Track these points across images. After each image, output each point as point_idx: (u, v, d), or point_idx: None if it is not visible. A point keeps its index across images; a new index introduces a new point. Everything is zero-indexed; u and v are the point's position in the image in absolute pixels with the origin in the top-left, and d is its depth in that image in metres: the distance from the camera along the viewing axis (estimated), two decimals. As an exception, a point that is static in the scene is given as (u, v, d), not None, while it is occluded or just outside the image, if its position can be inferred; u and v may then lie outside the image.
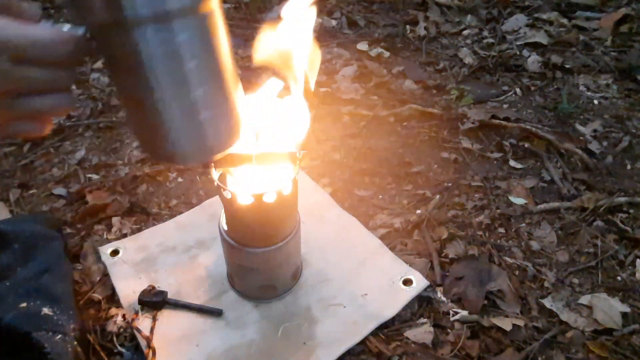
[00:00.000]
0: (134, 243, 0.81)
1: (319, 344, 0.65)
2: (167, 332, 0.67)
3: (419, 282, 0.73)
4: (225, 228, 0.65)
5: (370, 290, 0.72)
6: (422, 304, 0.72)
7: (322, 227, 0.83)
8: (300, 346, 0.65)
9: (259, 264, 0.66)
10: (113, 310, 0.70)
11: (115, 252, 0.79)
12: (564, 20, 1.54)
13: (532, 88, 1.23)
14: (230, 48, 0.40)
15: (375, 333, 0.67)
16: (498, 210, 0.87)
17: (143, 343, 0.66)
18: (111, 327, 0.68)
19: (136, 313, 0.69)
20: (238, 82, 0.42)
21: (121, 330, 0.68)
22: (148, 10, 0.33)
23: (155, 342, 0.65)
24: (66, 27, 0.35)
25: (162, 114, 0.38)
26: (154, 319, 0.69)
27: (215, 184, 0.57)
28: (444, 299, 0.72)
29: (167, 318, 0.69)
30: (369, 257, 0.77)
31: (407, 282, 0.73)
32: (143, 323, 0.68)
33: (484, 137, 1.07)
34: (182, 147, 0.40)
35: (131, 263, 0.77)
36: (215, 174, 0.58)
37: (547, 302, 0.71)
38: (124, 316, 0.69)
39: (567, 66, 1.30)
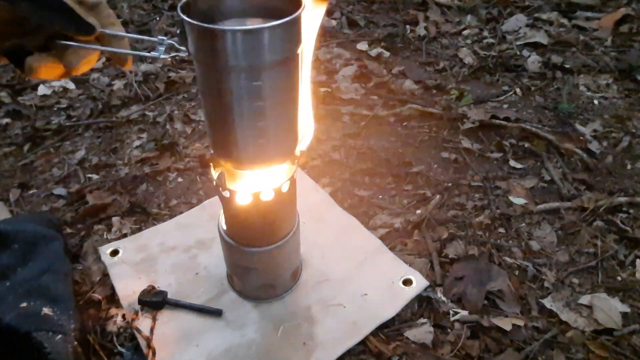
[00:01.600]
0: (133, 243, 0.81)
1: (319, 344, 0.65)
2: (167, 332, 0.67)
3: (419, 282, 0.73)
4: (224, 227, 0.65)
5: (370, 290, 0.72)
6: (422, 304, 0.72)
7: (322, 227, 0.83)
8: (300, 346, 0.65)
9: (258, 264, 0.66)
10: (113, 310, 0.70)
11: (115, 252, 0.79)
12: (564, 20, 1.54)
13: (532, 88, 1.24)
14: (298, 90, 0.52)
15: (375, 333, 0.67)
16: (498, 210, 0.87)
17: (143, 343, 0.65)
18: (111, 327, 0.68)
19: (136, 313, 0.69)
20: (296, 118, 0.54)
21: (121, 330, 0.68)
22: (246, 62, 0.44)
23: (155, 342, 0.65)
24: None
25: (235, 130, 0.50)
26: (154, 319, 0.69)
27: (214, 182, 0.58)
28: (444, 299, 0.72)
29: (167, 318, 0.69)
30: (369, 257, 0.77)
31: (407, 282, 0.73)
32: (143, 323, 0.68)
33: (484, 137, 1.07)
34: (244, 155, 0.53)
35: (131, 263, 0.77)
36: (214, 173, 0.59)
37: (547, 302, 0.71)
38: (123, 316, 0.69)
39: (567, 66, 1.30)
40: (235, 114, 0.49)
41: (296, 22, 0.45)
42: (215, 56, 0.44)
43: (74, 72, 0.46)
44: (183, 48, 0.47)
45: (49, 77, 0.46)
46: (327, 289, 0.73)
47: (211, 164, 0.58)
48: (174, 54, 0.47)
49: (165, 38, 0.46)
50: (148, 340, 0.65)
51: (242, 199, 0.57)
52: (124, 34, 0.47)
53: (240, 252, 0.65)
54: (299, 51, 0.48)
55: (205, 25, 0.42)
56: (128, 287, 0.73)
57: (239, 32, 0.42)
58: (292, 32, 0.45)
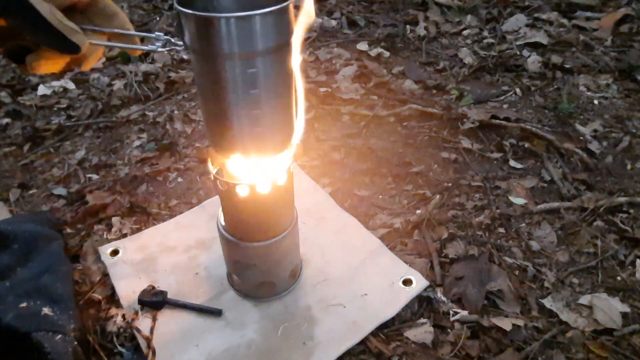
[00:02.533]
0: (133, 243, 0.81)
1: (319, 344, 0.65)
2: (166, 332, 0.67)
3: (419, 282, 0.73)
4: (223, 224, 0.65)
5: (370, 290, 0.72)
6: (422, 304, 0.72)
7: (322, 227, 0.83)
8: (300, 346, 0.65)
9: (257, 259, 0.66)
10: (113, 310, 0.70)
11: (115, 252, 0.79)
12: (564, 20, 1.54)
13: (532, 88, 1.24)
14: (293, 81, 0.52)
15: (375, 333, 0.67)
16: (498, 210, 0.87)
17: (143, 343, 0.65)
18: (111, 327, 0.68)
19: (136, 313, 0.69)
20: (292, 106, 0.54)
21: (121, 330, 0.68)
22: (239, 49, 0.45)
23: (155, 342, 0.65)
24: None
25: (232, 120, 0.51)
26: (154, 319, 0.69)
27: (212, 176, 0.58)
28: (444, 299, 0.72)
29: (167, 318, 0.69)
30: (369, 257, 0.77)
31: (407, 282, 0.73)
32: (143, 323, 0.68)
33: (484, 137, 1.07)
34: (241, 145, 0.53)
35: (131, 263, 0.77)
36: (212, 168, 0.59)
37: (547, 302, 0.71)
38: (123, 316, 0.69)
39: (567, 66, 1.30)
40: (231, 103, 0.49)
41: (287, 10, 0.46)
42: (210, 44, 0.45)
43: (86, 67, 0.47)
44: (180, 43, 0.47)
45: (51, 70, 0.46)
46: (327, 288, 0.73)
47: (209, 158, 0.58)
48: (171, 47, 0.47)
49: (161, 34, 0.47)
50: (148, 340, 0.65)
51: (240, 191, 0.58)
52: (119, 30, 0.47)
53: (238, 248, 0.65)
54: (291, 40, 0.49)
55: (200, 13, 0.43)
56: (128, 287, 0.73)
57: (232, 19, 0.43)
58: (284, 20, 0.46)
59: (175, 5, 0.45)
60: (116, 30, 0.47)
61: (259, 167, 0.58)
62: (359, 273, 0.75)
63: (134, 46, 0.48)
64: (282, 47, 0.48)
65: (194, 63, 0.50)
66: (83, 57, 0.46)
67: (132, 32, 0.48)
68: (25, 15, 0.39)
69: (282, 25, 0.46)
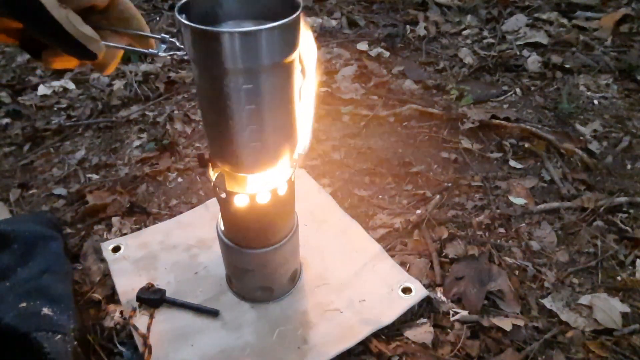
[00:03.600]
0: (135, 240, 0.81)
1: (313, 347, 0.65)
2: (163, 330, 0.67)
3: (418, 292, 0.71)
4: (222, 228, 0.65)
5: (368, 296, 0.71)
6: (422, 304, 0.72)
7: (323, 231, 0.83)
8: (294, 350, 0.65)
9: (256, 266, 0.66)
10: (111, 307, 0.70)
11: (116, 249, 0.79)
12: (564, 20, 1.54)
13: (532, 88, 1.24)
14: (292, 97, 0.52)
15: (375, 333, 0.67)
16: (498, 210, 0.87)
17: (139, 341, 0.65)
18: (108, 323, 0.68)
19: (134, 310, 0.69)
20: (293, 121, 0.54)
21: (118, 326, 0.68)
22: (242, 65, 0.44)
23: (151, 340, 0.65)
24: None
25: (230, 133, 0.50)
26: (151, 317, 0.68)
27: (212, 184, 0.58)
28: (444, 299, 0.72)
29: (164, 316, 0.69)
30: (369, 262, 0.76)
31: (406, 290, 0.72)
32: (140, 320, 0.68)
33: (484, 137, 1.07)
34: (240, 159, 0.53)
35: (132, 260, 0.77)
36: (212, 174, 0.58)
37: (547, 302, 0.71)
38: (121, 313, 0.69)
39: (567, 66, 1.30)
40: (231, 117, 0.49)
41: (294, 25, 0.45)
42: (211, 58, 0.44)
43: (107, 71, 0.47)
44: (183, 46, 0.46)
45: (66, 66, 0.46)
46: (325, 293, 0.72)
47: (210, 164, 0.58)
48: (173, 52, 0.47)
49: (167, 36, 0.46)
50: (144, 338, 0.65)
51: (239, 201, 0.57)
52: (134, 31, 0.46)
53: (237, 254, 0.64)
54: (295, 55, 0.48)
55: (202, 27, 0.42)
56: (127, 284, 0.73)
57: (236, 34, 0.42)
58: (290, 35, 0.45)
59: (177, 16, 0.43)
60: (131, 32, 0.46)
61: (259, 177, 0.58)
62: (358, 279, 0.74)
63: (148, 50, 0.47)
64: (286, 62, 0.47)
65: (194, 73, 0.50)
66: (101, 63, 0.45)
67: (148, 34, 0.47)
68: (40, 21, 0.38)
69: (287, 41, 0.45)
